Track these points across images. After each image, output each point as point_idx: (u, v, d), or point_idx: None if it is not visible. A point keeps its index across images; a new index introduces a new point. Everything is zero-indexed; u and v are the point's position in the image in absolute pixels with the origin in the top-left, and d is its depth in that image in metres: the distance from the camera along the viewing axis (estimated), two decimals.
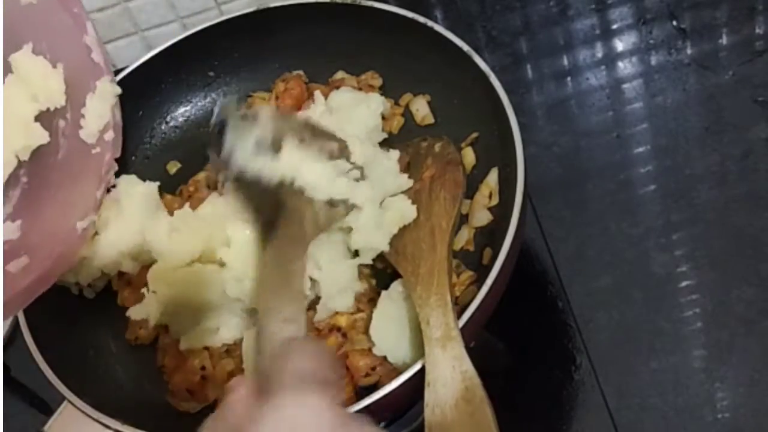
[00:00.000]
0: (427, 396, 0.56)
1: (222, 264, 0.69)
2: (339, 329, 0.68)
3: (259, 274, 0.53)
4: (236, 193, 0.61)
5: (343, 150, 0.68)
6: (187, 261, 0.69)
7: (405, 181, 0.72)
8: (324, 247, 0.69)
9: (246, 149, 0.60)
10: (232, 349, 0.69)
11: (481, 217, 0.72)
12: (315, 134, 0.65)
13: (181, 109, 0.87)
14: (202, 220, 0.72)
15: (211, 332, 0.69)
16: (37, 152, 0.70)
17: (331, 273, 0.69)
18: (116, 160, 0.77)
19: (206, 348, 0.69)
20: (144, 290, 0.70)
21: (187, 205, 0.75)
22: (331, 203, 0.65)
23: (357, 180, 0.68)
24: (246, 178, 0.60)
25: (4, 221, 0.66)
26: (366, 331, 0.67)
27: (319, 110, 0.78)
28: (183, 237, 0.70)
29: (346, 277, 0.69)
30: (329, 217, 0.65)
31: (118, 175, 0.77)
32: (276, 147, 0.61)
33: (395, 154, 0.75)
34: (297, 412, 0.36)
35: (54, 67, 0.71)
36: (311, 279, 0.69)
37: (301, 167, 0.63)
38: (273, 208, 0.59)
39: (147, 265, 0.72)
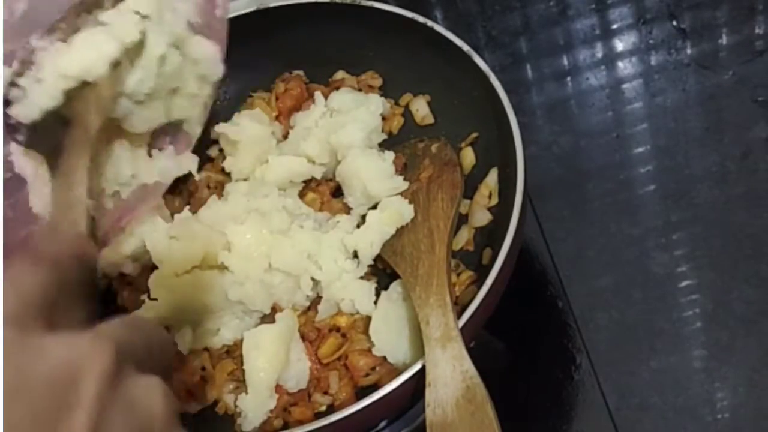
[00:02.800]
0: (428, 396, 0.56)
1: (223, 268, 0.69)
2: (339, 329, 0.68)
3: (52, 202, 0.49)
4: (29, 147, 0.56)
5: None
6: (188, 267, 0.69)
7: (400, 183, 0.73)
8: (324, 246, 0.70)
9: (21, 103, 0.55)
10: (232, 350, 0.69)
11: (481, 217, 0.72)
12: (61, 22, 0.57)
13: None
14: (202, 224, 0.71)
15: (211, 333, 0.69)
16: None
17: (331, 273, 0.69)
18: None
19: (206, 349, 0.69)
20: (144, 297, 0.69)
21: (187, 208, 0.74)
22: (111, 65, 0.57)
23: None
24: (36, 127, 0.55)
25: None
26: (366, 331, 0.67)
27: (319, 111, 0.78)
28: (183, 243, 0.69)
29: (346, 277, 0.69)
30: (113, 83, 0.57)
31: None
32: (35, 73, 0.55)
33: (390, 155, 0.75)
34: (64, 353, 0.32)
35: None
36: (312, 279, 0.69)
37: (64, 65, 0.55)
38: (59, 132, 0.54)
39: (148, 265, 0.72)
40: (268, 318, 0.69)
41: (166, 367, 0.38)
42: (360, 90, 0.81)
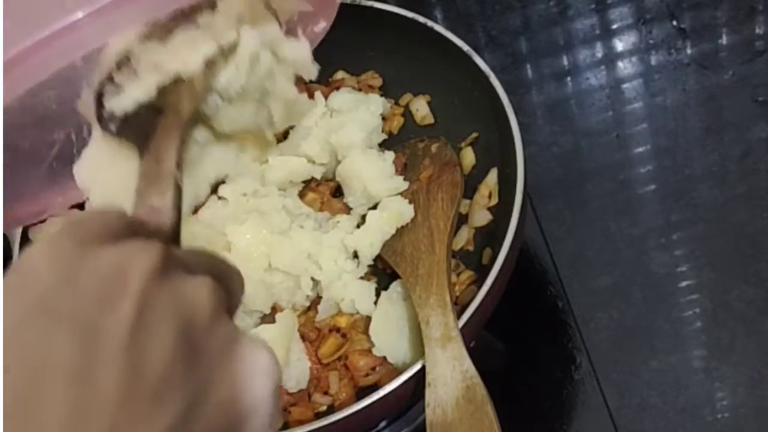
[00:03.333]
0: (428, 396, 0.56)
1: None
2: (339, 329, 0.68)
3: (137, 178, 0.50)
4: (118, 137, 0.58)
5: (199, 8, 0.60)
6: None
7: (400, 183, 0.73)
8: (324, 246, 0.70)
9: (114, 96, 0.57)
10: None
11: (481, 217, 0.72)
12: (161, 27, 0.59)
13: None
14: (202, 225, 0.71)
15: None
16: None
17: (331, 273, 0.69)
18: None
19: None
20: None
21: None
22: (206, 63, 0.60)
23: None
24: (127, 118, 0.57)
25: None
26: (366, 331, 0.67)
27: (319, 111, 0.78)
28: (183, 244, 0.70)
29: (346, 277, 0.69)
30: (207, 77, 0.60)
31: None
32: (131, 69, 0.57)
33: (390, 155, 0.75)
34: (30, 251, 0.33)
35: None
36: (312, 279, 0.69)
37: (161, 60, 0.57)
38: (150, 120, 0.56)
39: None
40: (268, 318, 0.69)
41: (228, 286, 0.38)
42: (360, 90, 0.81)
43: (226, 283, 0.38)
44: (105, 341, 0.30)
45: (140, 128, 0.56)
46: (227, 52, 0.60)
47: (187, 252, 0.38)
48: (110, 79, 0.57)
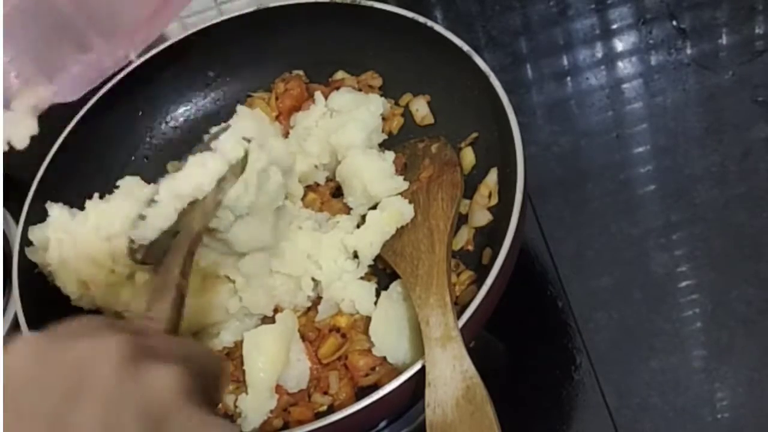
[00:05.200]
0: (427, 396, 0.56)
1: (225, 278, 0.69)
2: (339, 329, 0.68)
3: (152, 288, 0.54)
4: (146, 262, 0.62)
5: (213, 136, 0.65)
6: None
7: (400, 183, 0.73)
8: (324, 247, 0.70)
9: (140, 228, 0.61)
10: (232, 352, 0.69)
11: (481, 217, 0.72)
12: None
13: (181, 109, 0.87)
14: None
15: (212, 336, 0.69)
16: None
17: (331, 273, 0.69)
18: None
19: None
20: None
21: None
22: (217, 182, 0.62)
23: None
24: (153, 246, 0.60)
25: None
26: (366, 331, 0.67)
27: (319, 111, 0.78)
28: None
29: (346, 277, 0.69)
30: (216, 193, 0.62)
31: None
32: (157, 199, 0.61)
33: (390, 155, 0.75)
34: (11, 348, 0.35)
35: None
36: (312, 279, 0.69)
37: (177, 186, 0.61)
38: (168, 241, 0.59)
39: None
40: (268, 318, 0.69)
41: (207, 381, 0.39)
42: (360, 90, 0.81)
43: (202, 370, 0.39)
44: None
45: (160, 250, 0.59)
46: (236, 168, 0.63)
47: (162, 340, 0.39)
48: (141, 217, 0.61)
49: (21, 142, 0.73)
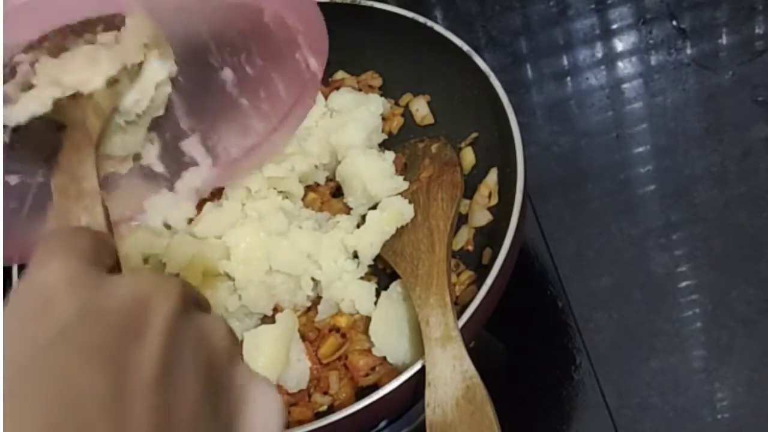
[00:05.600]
0: (427, 396, 0.56)
1: (225, 276, 0.69)
2: (339, 329, 0.68)
3: (54, 195, 0.49)
4: (15, 151, 0.57)
5: (89, 24, 0.59)
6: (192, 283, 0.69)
7: (400, 183, 0.73)
8: (324, 247, 0.70)
9: (6, 108, 0.55)
10: None
11: (481, 217, 0.72)
12: (54, 41, 0.57)
13: None
14: (199, 238, 0.71)
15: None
16: None
17: (331, 273, 0.69)
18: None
19: None
20: None
21: None
22: (109, 82, 0.58)
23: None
24: (25, 131, 0.55)
25: None
26: (366, 331, 0.67)
27: (319, 111, 0.78)
28: (181, 263, 0.69)
29: (346, 277, 0.69)
30: (111, 96, 0.58)
31: None
32: (25, 84, 0.55)
33: (390, 155, 0.75)
34: (45, 273, 0.33)
35: None
36: (312, 279, 0.69)
37: (60, 74, 0.55)
38: (53, 135, 0.54)
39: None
40: (268, 318, 0.69)
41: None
42: (360, 90, 0.81)
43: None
44: (134, 378, 0.29)
45: (38, 141, 0.55)
46: (131, 74, 0.59)
47: (188, 283, 0.39)
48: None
49: (178, 224, 0.71)
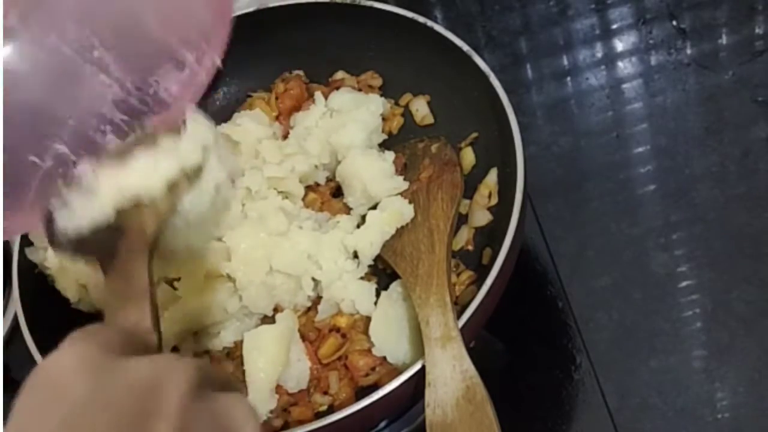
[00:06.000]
0: (427, 396, 0.56)
1: (227, 277, 0.69)
2: (339, 329, 0.68)
3: (106, 296, 0.50)
4: (76, 255, 0.56)
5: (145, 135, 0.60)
6: (193, 285, 0.69)
7: (400, 183, 0.73)
8: (324, 247, 0.70)
9: (65, 214, 0.55)
10: (233, 352, 0.69)
11: (481, 217, 0.72)
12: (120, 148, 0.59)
13: None
14: None
15: (212, 336, 0.69)
16: None
17: (331, 273, 0.69)
18: None
19: (206, 351, 0.69)
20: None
21: None
22: (168, 186, 0.58)
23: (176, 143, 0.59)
24: (83, 238, 0.55)
25: None
26: (366, 331, 0.67)
27: (319, 111, 0.78)
28: (182, 266, 0.69)
29: (346, 277, 0.69)
30: (170, 199, 0.58)
31: None
32: (90, 188, 0.56)
33: (390, 155, 0.75)
34: (57, 359, 0.33)
35: None
36: (313, 279, 0.69)
37: (121, 180, 0.56)
38: (111, 238, 0.55)
39: None
40: (268, 318, 0.69)
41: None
42: (360, 90, 0.81)
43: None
44: None
45: (99, 246, 0.54)
46: (191, 176, 0.59)
47: (205, 362, 0.38)
48: (59, 196, 0.55)
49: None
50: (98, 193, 0.55)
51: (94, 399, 0.30)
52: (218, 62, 0.70)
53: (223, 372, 0.39)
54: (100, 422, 0.29)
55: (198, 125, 0.61)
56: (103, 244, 0.54)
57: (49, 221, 0.56)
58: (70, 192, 0.55)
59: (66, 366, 0.31)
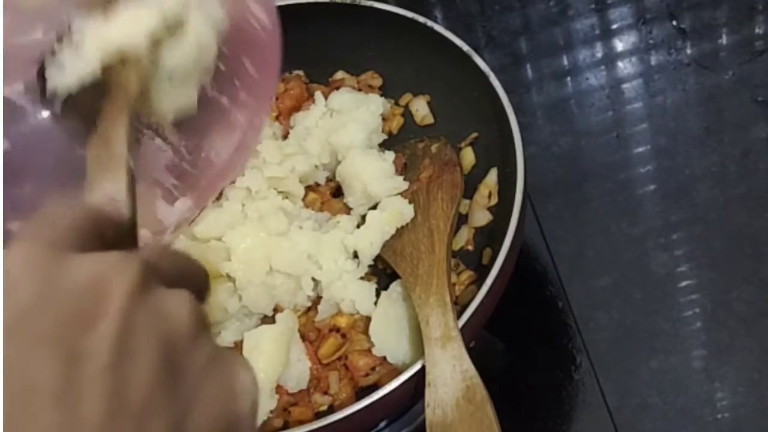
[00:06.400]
0: (427, 396, 0.56)
1: (227, 277, 0.69)
2: (339, 329, 0.68)
3: (87, 164, 0.48)
4: (64, 119, 0.55)
5: None
6: None
7: (400, 183, 0.73)
8: (324, 247, 0.70)
9: (55, 72, 0.53)
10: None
11: (481, 217, 0.72)
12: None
13: None
14: (199, 241, 0.71)
15: (212, 336, 0.69)
16: None
17: (331, 273, 0.69)
18: None
19: None
20: None
21: None
22: (152, 42, 0.56)
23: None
24: (71, 97, 0.53)
25: None
26: (366, 331, 0.67)
27: (319, 111, 0.78)
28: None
29: (346, 277, 0.69)
30: (154, 55, 0.56)
31: None
32: (73, 43, 0.54)
33: (390, 155, 0.75)
34: (8, 259, 0.32)
35: None
36: (313, 279, 0.69)
37: (105, 33, 0.54)
38: (96, 100, 0.53)
39: None
40: (268, 318, 0.69)
41: (199, 290, 0.37)
42: (360, 90, 0.81)
43: (200, 287, 0.37)
44: (86, 364, 0.29)
45: (86, 110, 0.53)
46: (173, 27, 0.57)
47: (161, 257, 0.37)
48: (52, 52, 0.54)
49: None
50: (85, 48, 0.54)
51: (36, 303, 0.30)
52: (266, 121, 0.69)
53: (180, 262, 0.38)
54: (43, 327, 0.29)
55: None
56: (89, 106, 0.53)
57: (42, 78, 0.54)
58: (61, 48, 0.54)
59: (10, 269, 0.31)
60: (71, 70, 0.54)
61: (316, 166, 0.76)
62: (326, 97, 0.79)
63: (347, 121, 0.76)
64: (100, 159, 0.48)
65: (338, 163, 0.75)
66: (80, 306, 0.30)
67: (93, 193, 0.44)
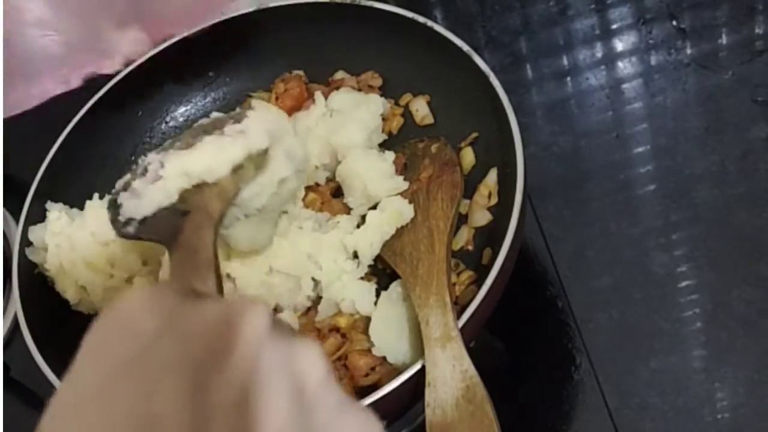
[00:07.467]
0: (427, 396, 0.56)
1: (227, 277, 0.69)
2: (339, 329, 0.68)
3: (170, 271, 0.50)
4: (139, 237, 0.58)
5: (219, 122, 0.62)
6: None
7: (400, 183, 0.73)
8: (324, 247, 0.70)
9: (132, 203, 0.57)
10: None
11: (481, 217, 0.72)
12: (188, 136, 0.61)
13: (181, 109, 0.87)
14: None
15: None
16: None
17: (331, 273, 0.69)
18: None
19: None
20: None
21: None
22: (234, 168, 0.59)
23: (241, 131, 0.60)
24: (148, 222, 0.56)
25: None
26: (366, 331, 0.67)
27: (319, 111, 0.78)
28: None
29: (346, 278, 0.69)
30: (236, 182, 0.59)
31: None
32: (154, 175, 0.58)
33: (390, 155, 0.75)
34: (128, 298, 0.32)
35: None
36: (313, 279, 0.69)
37: (187, 164, 0.57)
38: (174, 218, 0.55)
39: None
40: None
41: None
42: (360, 90, 0.81)
43: None
44: (215, 399, 0.28)
45: (162, 226, 0.55)
46: (257, 161, 0.60)
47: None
48: (126, 188, 0.57)
49: None
50: (165, 180, 0.56)
51: (165, 335, 0.29)
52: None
53: (286, 321, 0.38)
54: (172, 357, 0.28)
55: (265, 112, 0.62)
56: (166, 224, 0.55)
57: (115, 209, 0.57)
58: (138, 183, 0.56)
59: (136, 305, 0.31)
60: (149, 201, 0.56)
61: (316, 166, 0.76)
62: (326, 97, 0.79)
63: (347, 121, 0.76)
64: (185, 264, 0.49)
65: (338, 163, 0.75)
66: (209, 341, 0.30)
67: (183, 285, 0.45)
